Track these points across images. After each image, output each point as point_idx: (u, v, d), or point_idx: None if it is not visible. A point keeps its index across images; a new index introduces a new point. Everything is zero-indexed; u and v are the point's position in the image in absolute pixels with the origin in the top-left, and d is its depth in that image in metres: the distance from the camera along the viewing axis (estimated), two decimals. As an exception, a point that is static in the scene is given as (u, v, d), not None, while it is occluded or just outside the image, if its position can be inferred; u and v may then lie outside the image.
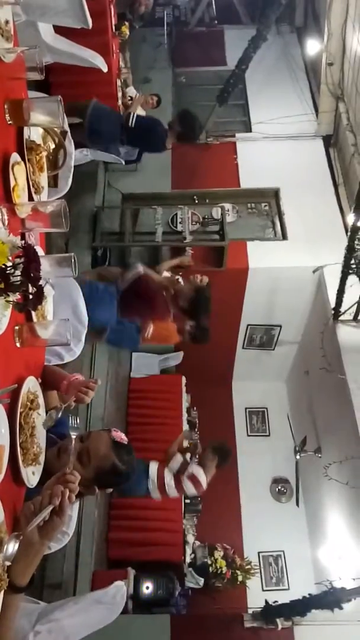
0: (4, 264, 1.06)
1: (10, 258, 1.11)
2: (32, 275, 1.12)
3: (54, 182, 2.25)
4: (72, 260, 1.57)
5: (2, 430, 1.35)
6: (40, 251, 1.63)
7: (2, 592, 1.16)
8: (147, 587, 4.80)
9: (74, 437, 1.45)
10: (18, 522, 1.37)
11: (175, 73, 7.91)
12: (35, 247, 1.23)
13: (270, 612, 4.28)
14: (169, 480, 3.92)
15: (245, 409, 7.60)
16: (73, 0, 3.03)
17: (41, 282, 1.29)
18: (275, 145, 6.86)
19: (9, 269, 1.08)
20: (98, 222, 5.73)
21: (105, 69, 4.11)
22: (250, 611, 4.60)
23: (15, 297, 1.15)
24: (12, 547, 1.18)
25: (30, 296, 1.18)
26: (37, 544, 1.22)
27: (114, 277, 4.48)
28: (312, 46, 6.67)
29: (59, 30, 3.69)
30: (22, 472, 1.42)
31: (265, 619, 4.30)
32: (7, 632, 1.27)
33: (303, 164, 6.63)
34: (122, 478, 1.75)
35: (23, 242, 1.20)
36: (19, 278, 1.09)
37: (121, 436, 1.77)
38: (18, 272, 1.09)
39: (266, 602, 4.35)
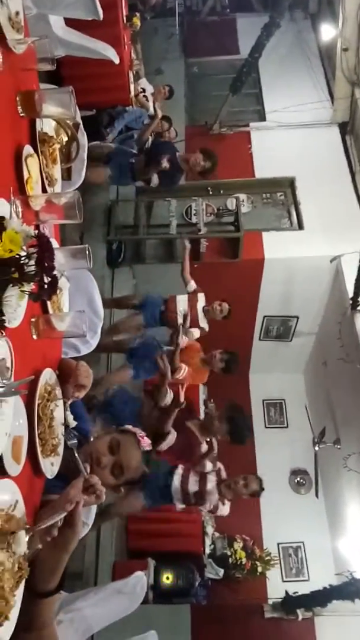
0: (17, 254, 1.06)
1: (24, 248, 1.11)
2: (46, 264, 1.12)
3: (67, 175, 2.26)
4: (87, 252, 1.57)
5: (20, 421, 1.36)
6: (54, 243, 1.63)
7: (24, 581, 1.17)
8: (167, 578, 4.83)
9: (74, 449, 1.47)
10: (37, 514, 1.39)
11: (187, 63, 7.86)
12: (48, 237, 1.23)
13: (290, 602, 4.29)
14: (193, 483, 3.66)
15: (263, 400, 7.57)
16: (83, -9, 3.02)
17: (56, 273, 1.29)
18: (290, 134, 6.78)
19: (23, 258, 1.08)
20: (112, 215, 5.73)
21: (117, 61, 4.09)
22: (270, 602, 4.62)
23: (29, 287, 1.15)
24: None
25: (45, 286, 1.19)
26: (50, 556, 1.22)
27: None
28: (327, 32, 6.55)
29: (69, 22, 3.68)
30: (41, 463, 1.43)
31: (285, 610, 4.31)
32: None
33: (319, 152, 6.55)
34: (144, 477, 1.80)
35: (36, 232, 1.20)
36: (33, 268, 1.09)
37: (148, 442, 1.80)
38: (32, 262, 1.09)
39: (286, 592, 4.36)
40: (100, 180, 4.70)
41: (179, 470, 3.67)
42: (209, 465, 3.73)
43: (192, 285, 4.62)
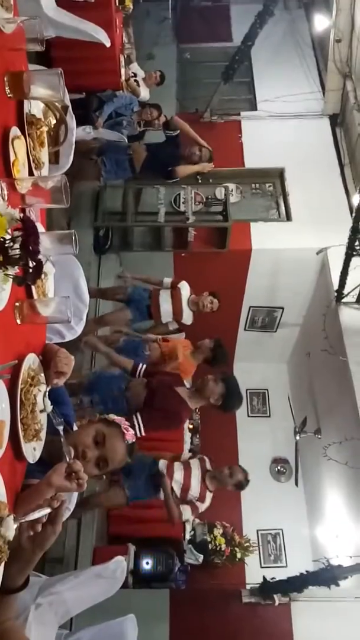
0: (2, 237, 1.05)
1: (9, 231, 1.10)
2: (30, 248, 1.11)
3: (55, 159, 2.23)
4: (73, 237, 1.55)
5: (2, 406, 1.36)
6: (40, 228, 1.62)
7: (3, 564, 1.18)
8: (147, 563, 4.88)
9: (61, 431, 1.48)
10: (18, 499, 1.39)
11: (179, 49, 7.77)
12: (34, 221, 1.22)
13: (267, 588, 4.35)
14: (178, 469, 3.71)
15: (246, 390, 7.59)
16: (75, -30, 2.96)
17: (41, 259, 1.28)
18: (280, 124, 6.76)
19: (7, 242, 1.07)
20: (100, 201, 5.68)
21: (108, 44, 4.03)
22: (248, 587, 4.68)
23: (14, 270, 1.14)
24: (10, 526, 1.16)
25: (30, 270, 1.18)
26: (28, 550, 1.21)
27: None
28: (320, 22, 6.50)
29: (61, 3, 3.61)
30: (23, 447, 1.43)
31: (262, 595, 4.37)
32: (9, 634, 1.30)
33: (309, 144, 6.54)
34: (127, 468, 1.83)
35: (22, 215, 1.19)
36: (17, 251, 1.08)
37: (131, 434, 1.81)
38: (17, 246, 1.08)
39: (264, 578, 4.42)
40: (93, 178, 4.72)
41: (163, 460, 3.71)
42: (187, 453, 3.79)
43: (167, 281, 4.59)
